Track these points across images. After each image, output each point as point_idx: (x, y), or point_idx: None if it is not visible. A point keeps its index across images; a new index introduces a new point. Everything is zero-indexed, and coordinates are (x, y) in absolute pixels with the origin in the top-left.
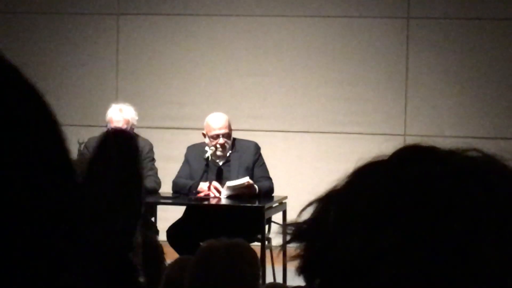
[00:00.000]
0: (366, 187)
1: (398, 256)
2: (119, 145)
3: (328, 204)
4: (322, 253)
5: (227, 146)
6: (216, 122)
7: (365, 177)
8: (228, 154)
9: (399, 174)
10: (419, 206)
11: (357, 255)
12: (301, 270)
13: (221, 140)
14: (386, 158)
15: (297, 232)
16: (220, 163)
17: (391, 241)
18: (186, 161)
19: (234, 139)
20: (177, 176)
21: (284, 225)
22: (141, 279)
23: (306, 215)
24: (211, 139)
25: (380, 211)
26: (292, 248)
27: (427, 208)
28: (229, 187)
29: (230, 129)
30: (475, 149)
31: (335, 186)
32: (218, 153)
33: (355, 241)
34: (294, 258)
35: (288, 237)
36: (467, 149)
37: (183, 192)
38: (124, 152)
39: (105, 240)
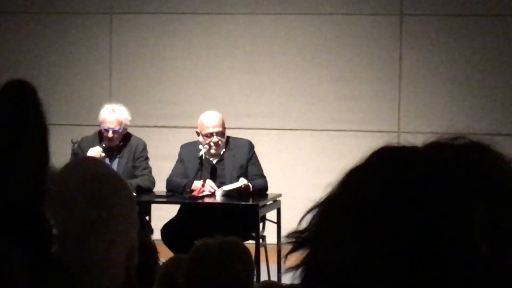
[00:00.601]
0: (360, 194)
1: (405, 261)
2: (18, 98)
3: (329, 211)
4: (328, 261)
5: (221, 144)
6: (210, 120)
7: (356, 183)
8: (222, 152)
9: (388, 178)
10: (413, 209)
11: (363, 262)
12: (305, 279)
13: (215, 138)
14: (367, 161)
15: (299, 240)
16: (214, 162)
17: (394, 247)
18: (180, 159)
19: (228, 137)
20: (171, 175)
21: (286, 235)
22: (55, 231)
23: (303, 222)
24: (205, 137)
25: (380, 217)
26: (287, 247)
27: (420, 210)
28: (224, 191)
29: (224, 127)
30: (461, 137)
31: (331, 191)
32: (212, 151)
33: (360, 248)
34: (295, 267)
35: (283, 245)
36: (453, 137)
37: (177, 190)
38: (24, 105)
39: (10, 194)
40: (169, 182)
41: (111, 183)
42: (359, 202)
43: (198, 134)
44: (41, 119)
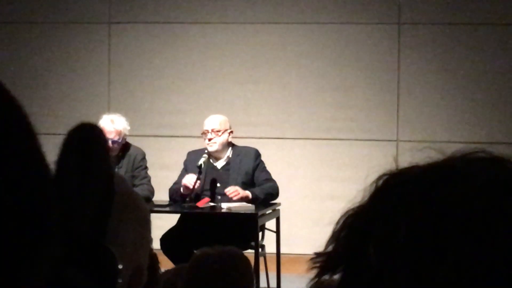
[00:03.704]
0: (402, 214)
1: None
2: (86, 140)
3: (361, 233)
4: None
5: (217, 142)
6: (209, 119)
7: (396, 201)
8: (226, 156)
9: (434, 200)
10: (468, 234)
11: None
12: None
13: (210, 135)
14: (404, 175)
15: (328, 263)
16: (219, 167)
17: (446, 277)
18: (185, 168)
19: (234, 145)
20: (174, 183)
21: (312, 257)
22: (120, 266)
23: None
24: (203, 135)
25: (426, 242)
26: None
27: (479, 236)
28: (228, 207)
29: (224, 128)
30: (483, 151)
31: (357, 208)
32: (209, 148)
33: (405, 277)
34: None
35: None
36: (475, 151)
37: (175, 197)
38: (91, 146)
39: (77, 229)
40: (169, 190)
41: (122, 202)
42: (413, 226)
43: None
44: (107, 162)
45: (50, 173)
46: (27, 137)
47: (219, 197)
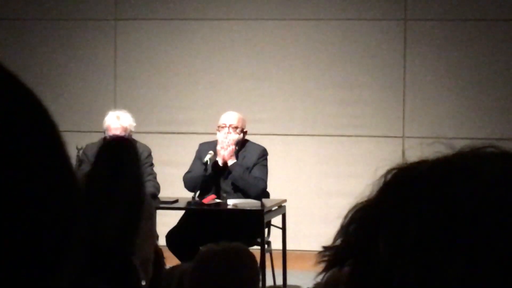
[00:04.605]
0: (413, 209)
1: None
2: (117, 153)
3: (371, 227)
4: (377, 284)
5: (231, 138)
6: (227, 114)
7: (406, 196)
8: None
9: (444, 194)
10: (479, 230)
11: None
12: None
13: (227, 130)
14: (414, 170)
15: (337, 257)
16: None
17: (456, 272)
18: (198, 157)
19: (247, 140)
20: (188, 171)
21: (320, 251)
22: (143, 282)
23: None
24: (219, 128)
25: (436, 237)
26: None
27: (490, 231)
28: (234, 204)
29: (240, 126)
30: (492, 146)
31: (366, 202)
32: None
33: (415, 272)
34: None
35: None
36: (484, 146)
37: (198, 180)
38: (122, 160)
39: (105, 244)
40: (189, 177)
41: None
42: (426, 220)
43: (217, 129)
44: (137, 175)
45: (78, 182)
46: (56, 145)
47: (225, 194)
